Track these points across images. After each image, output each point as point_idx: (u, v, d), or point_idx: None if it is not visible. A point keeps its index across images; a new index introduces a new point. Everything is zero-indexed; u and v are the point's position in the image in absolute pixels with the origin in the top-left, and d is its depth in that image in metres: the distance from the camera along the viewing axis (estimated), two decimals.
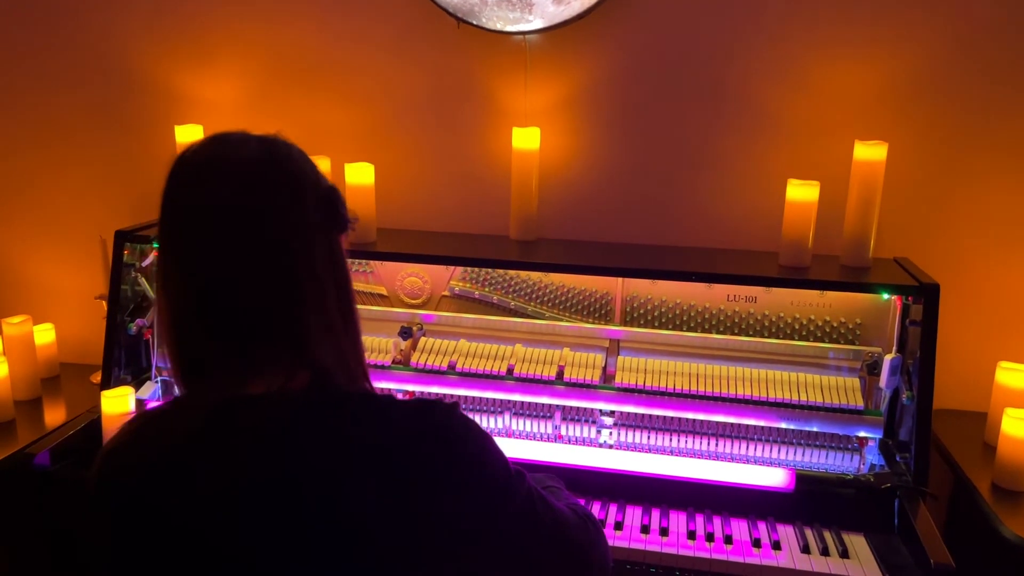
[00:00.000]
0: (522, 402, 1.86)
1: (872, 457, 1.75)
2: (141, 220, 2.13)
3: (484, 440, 0.91)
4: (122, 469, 0.90)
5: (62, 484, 1.75)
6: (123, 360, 2.01)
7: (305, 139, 2.06)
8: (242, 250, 0.88)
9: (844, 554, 1.54)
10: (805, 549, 1.55)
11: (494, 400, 1.87)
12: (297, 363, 0.90)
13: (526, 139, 1.97)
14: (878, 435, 1.73)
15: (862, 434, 1.75)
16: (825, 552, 1.54)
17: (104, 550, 0.92)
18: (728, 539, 1.57)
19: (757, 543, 1.56)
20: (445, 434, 0.88)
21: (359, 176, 1.95)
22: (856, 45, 1.87)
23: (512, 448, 1.75)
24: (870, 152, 1.77)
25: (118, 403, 1.83)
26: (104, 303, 2.19)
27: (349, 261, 1.86)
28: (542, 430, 1.85)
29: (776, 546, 1.55)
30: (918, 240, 1.92)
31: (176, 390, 1.88)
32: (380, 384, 1.91)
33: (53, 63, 2.25)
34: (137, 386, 2.00)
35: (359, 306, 1.89)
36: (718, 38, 1.92)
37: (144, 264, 2.04)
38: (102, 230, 2.21)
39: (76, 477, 1.75)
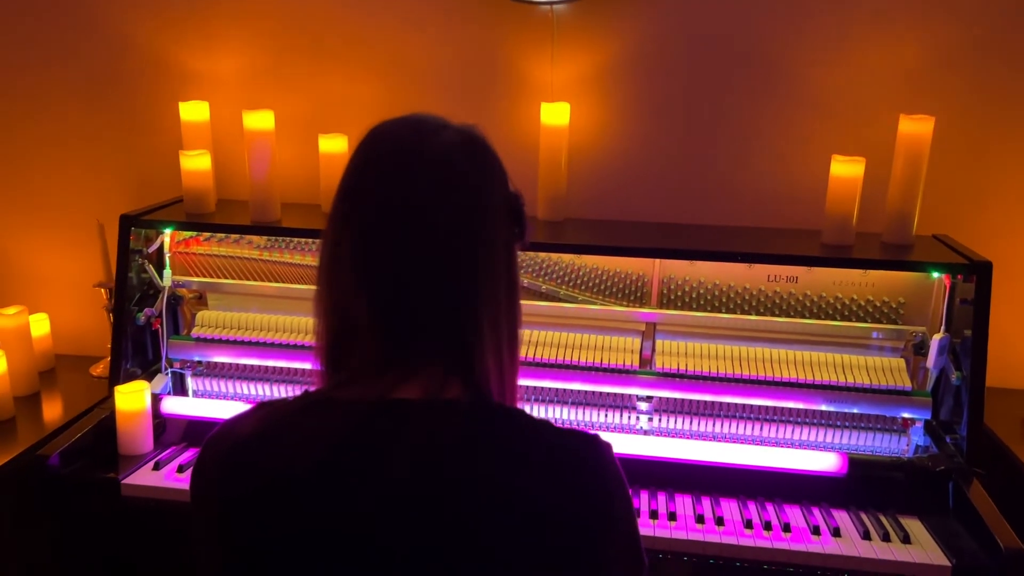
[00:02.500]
0: (556, 389, 1.80)
1: (917, 438, 1.73)
2: (141, 203, 2.01)
3: (626, 490, 0.85)
4: (250, 468, 0.82)
5: (81, 488, 1.64)
6: (130, 352, 1.90)
7: (318, 115, 2.00)
8: (430, 247, 0.83)
9: (905, 539, 1.51)
10: (865, 535, 1.51)
11: (527, 388, 1.80)
12: (457, 371, 0.84)
13: (555, 114, 1.88)
14: (926, 416, 1.70)
15: (909, 415, 1.72)
16: (886, 538, 1.51)
17: (213, 550, 0.84)
18: (786, 527, 1.53)
19: (816, 530, 1.52)
20: (594, 477, 0.83)
21: None
22: (896, 18, 1.81)
23: None
24: (916, 127, 1.72)
25: (133, 399, 1.72)
26: (103, 291, 2.08)
27: None
28: (578, 418, 1.79)
29: (836, 533, 1.52)
30: (953, 216, 1.88)
31: (190, 384, 1.79)
32: None
33: (43, 35, 2.10)
34: (146, 379, 1.89)
35: None
36: (754, 10, 1.85)
37: (151, 250, 1.92)
38: (99, 214, 2.08)
39: (94, 480, 1.65)
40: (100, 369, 2.13)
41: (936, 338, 1.68)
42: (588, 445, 0.84)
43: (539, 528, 0.79)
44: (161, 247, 1.94)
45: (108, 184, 2.16)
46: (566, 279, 1.86)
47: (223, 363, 1.91)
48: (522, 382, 1.77)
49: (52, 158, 2.18)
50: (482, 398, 0.85)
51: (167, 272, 1.94)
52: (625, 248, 1.80)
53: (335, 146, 1.92)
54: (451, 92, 2.01)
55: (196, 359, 1.93)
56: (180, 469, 1.69)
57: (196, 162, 1.92)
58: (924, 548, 1.48)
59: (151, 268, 1.92)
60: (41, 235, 2.23)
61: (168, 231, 1.92)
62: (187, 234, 1.95)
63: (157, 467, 1.69)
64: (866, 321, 1.78)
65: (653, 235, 1.90)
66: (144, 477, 1.66)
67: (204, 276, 1.97)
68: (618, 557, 0.84)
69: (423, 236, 0.83)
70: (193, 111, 1.97)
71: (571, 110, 1.90)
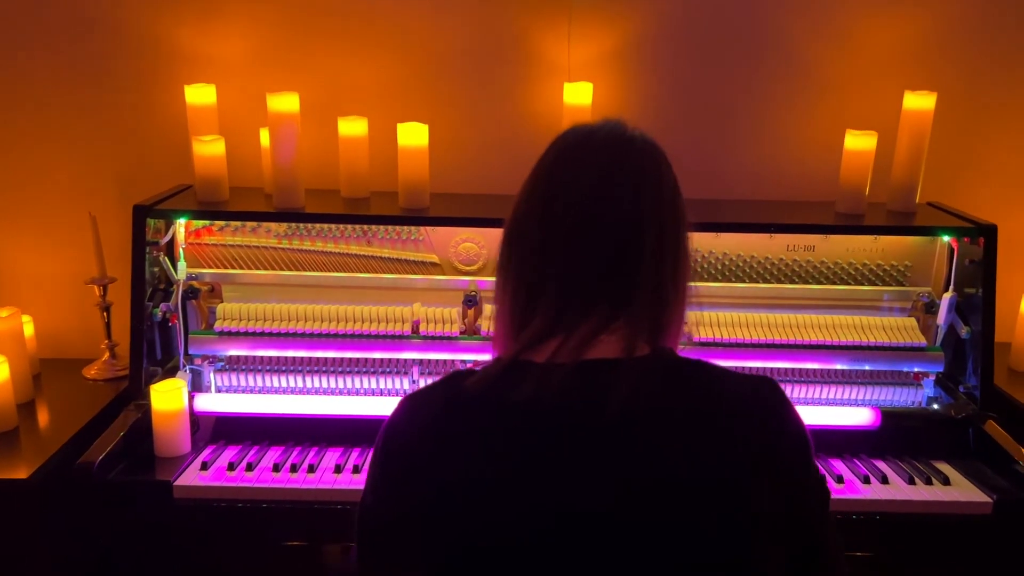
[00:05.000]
0: None
1: (929, 390, 1.87)
2: (135, 194, 1.88)
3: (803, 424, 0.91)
4: (459, 437, 0.85)
5: (131, 493, 1.56)
6: (147, 350, 1.80)
7: (332, 98, 1.95)
8: (622, 212, 0.90)
9: (945, 481, 1.64)
10: (910, 480, 1.63)
11: None
12: (643, 327, 0.89)
13: (578, 94, 1.91)
14: (939, 369, 1.85)
15: (924, 370, 1.85)
16: (928, 481, 1.63)
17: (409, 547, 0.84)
18: (839, 479, 1.63)
19: (866, 479, 1.63)
20: (782, 416, 0.88)
21: (412, 137, 1.83)
22: None
23: None
24: (919, 101, 1.85)
25: (169, 398, 1.64)
26: (96, 288, 1.96)
27: (405, 228, 1.78)
28: None
29: (884, 480, 1.63)
30: (943, 184, 2.03)
31: (213, 380, 1.72)
32: (452, 356, 1.82)
33: (27, 14, 1.94)
34: (164, 377, 1.80)
35: (411, 276, 1.82)
36: None
37: (164, 241, 1.83)
38: (83, 207, 1.96)
39: (144, 484, 1.56)
40: (94, 371, 2.00)
41: (946, 297, 1.83)
42: (770, 387, 0.90)
43: (745, 469, 0.83)
44: (173, 238, 1.85)
45: (95, 175, 2.03)
46: None
47: (247, 356, 1.84)
48: None
49: (30, 149, 2.02)
50: (670, 353, 0.91)
51: (181, 264, 1.84)
52: None
53: (355, 129, 1.87)
54: (467, 72, 2.00)
55: (219, 354, 1.84)
56: (231, 467, 1.62)
57: (210, 148, 1.83)
58: (964, 488, 1.62)
59: (166, 260, 1.82)
60: (17, 231, 2.07)
61: (182, 221, 1.83)
62: (198, 224, 1.86)
63: (205, 467, 1.62)
64: (877, 284, 1.91)
65: None
66: (194, 478, 1.59)
67: (217, 267, 1.88)
68: (813, 487, 0.90)
69: (615, 201, 0.90)
70: (200, 94, 1.88)
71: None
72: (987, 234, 1.78)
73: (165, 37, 1.96)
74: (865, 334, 1.85)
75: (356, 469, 1.64)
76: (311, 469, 1.63)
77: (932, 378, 1.87)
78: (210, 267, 1.88)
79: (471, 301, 1.85)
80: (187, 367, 1.85)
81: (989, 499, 1.57)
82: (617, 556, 0.80)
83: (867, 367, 1.86)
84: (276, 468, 1.63)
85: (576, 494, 0.81)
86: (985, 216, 1.87)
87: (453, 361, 1.84)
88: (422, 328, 1.82)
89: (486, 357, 1.81)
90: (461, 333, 1.83)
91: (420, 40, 1.98)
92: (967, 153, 2.05)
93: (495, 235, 1.83)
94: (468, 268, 1.90)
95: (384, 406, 1.77)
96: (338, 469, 1.63)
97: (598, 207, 0.89)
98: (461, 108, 2.01)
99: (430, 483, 0.84)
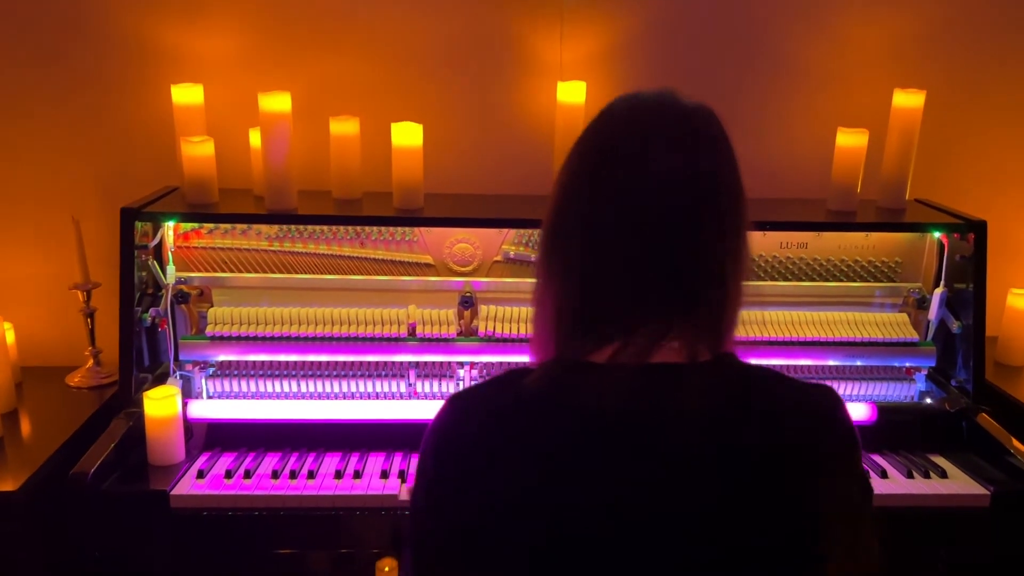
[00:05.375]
0: None
1: (921, 385, 1.89)
2: (118, 196, 1.84)
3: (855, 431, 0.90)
4: (520, 438, 0.82)
5: (127, 504, 1.52)
6: (134, 357, 1.76)
7: (321, 97, 1.92)
8: (683, 209, 0.83)
9: (943, 475, 1.66)
10: (908, 475, 1.65)
11: None
12: (705, 332, 0.86)
13: (572, 93, 1.90)
14: (931, 364, 1.87)
15: (916, 365, 1.88)
16: (926, 475, 1.65)
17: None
18: None
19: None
20: (829, 411, 0.87)
21: (406, 137, 1.81)
22: None
23: None
24: (909, 100, 1.88)
25: (163, 405, 1.60)
26: (80, 293, 1.91)
27: (399, 229, 1.75)
28: None
29: (883, 475, 1.64)
30: (930, 181, 2.06)
31: (204, 386, 1.67)
32: (449, 358, 1.80)
33: (7, 13, 1.89)
34: (153, 384, 1.76)
35: (404, 278, 1.80)
36: None
37: (152, 244, 1.78)
38: (71, 209, 1.91)
39: (141, 495, 1.52)
40: (78, 379, 1.95)
41: (938, 292, 1.85)
42: (824, 392, 0.88)
43: (804, 473, 0.83)
44: (161, 242, 1.81)
45: (77, 177, 1.98)
46: None
47: (239, 361, 1.81)
48: None
49: (9, 151, 1.97)
50: (732, 358, 0.88)
51: (170, 268, 1.80)
52: None
53: (347, 128, 1.85)
54: (459, 72, 1.98)
55: (211, 359, 1.81)
56: (228, 475, 1.59)
57: (199, 149, 1.79)
58: (961, 481, 1.64)
59: (154, 264, 1.78)
60: None
61: (171, 224, 1.79)
62: (187, 227, 1.82)
63: (201, 476, 1.58)
64: (868, 280, 1.93)
65: None
66: (191, 486, 1.55)
67: (207, 271, 1.84)
68: (857, 484, 0.89)
69: (677, 197, 0.83)
70: (187, 94, 1.84)
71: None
72: (977, 230, 1.81)
73: (151, 36, 1.91)
74: (858, 330, 1.86)
75: (357, 475, 1.61)
76: (311, 475, 1.60)
77: (924, 373, 1.89)
78: (199, 271, 1.84)
79: (467, 302, 1.84)
80: (177, 373, 1.81)
81: (987, 491, 1.59)
82: (680, 557, 0.79)
83: (860, 363, 1.87)
84: (275, 475, 1.60)
85: (640, 496, 0.80)
86: (971, 211, 1.90)
87: (450, 363, 1.82)
88: (418, 330, 1.80)
89: (484, 359, 1.80)
90: (458, 334, 1.81)
91: (411, 40, 1.95)
92: (955, 150, 2.08)
93: (490, 235, 1.86)
94: (463, 269, 1.88)
95: (382, 410, 1.75)
96: (338, 475, 1.61)
97: (659, 196, 0.83)
98: (453, 108, 2.00)
99: (492, 486, 0.82)
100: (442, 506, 0.85)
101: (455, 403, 0.89)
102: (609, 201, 0.84)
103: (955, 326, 1.85)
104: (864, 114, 1.96)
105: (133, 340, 1.73)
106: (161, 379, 1.79)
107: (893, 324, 1.88)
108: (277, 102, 1.73)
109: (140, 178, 1.94)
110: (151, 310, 1.77)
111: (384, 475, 1.61)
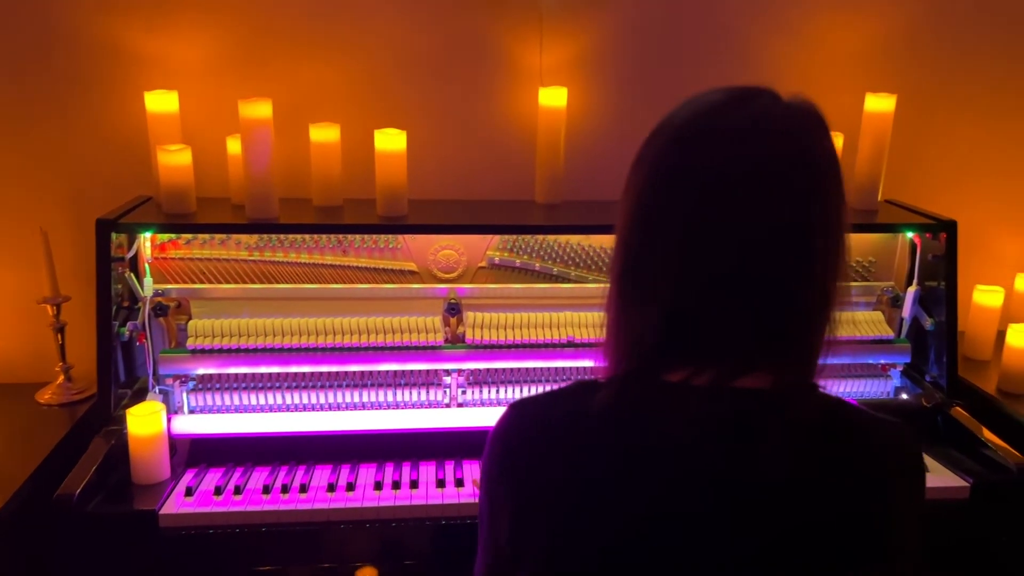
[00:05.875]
0: (577, 368, 1.84)
1: (896, 381, 1.95)
2: (89, 207, 1.79)
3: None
4: (592, 455, 0.81)
5: (115, 525, 1.47)
6: (113, 373, 1.71)
7: (300, 104, 1.90)
8: (778, 235, 0.79)
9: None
10: None
11: (556, 369, 1.83)
12: (792, 359, 0.83)
13: (553, 97, 1.91)
14: (906, 360, 1.92)
15: (892, 361, 1.93)
16: None
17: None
18: None
19: None
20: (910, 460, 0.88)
21: (390, 143, 1.79)
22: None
23: None
24: (880, 103, 1.93)
25: (148, 422, 1.56)
26: (49, 308, 1.85)
27: (382, 237, 1.73)
28: None
29: None
30: (902, 181, 2.12)
31: (185, 400, 1.63)
32: (436, 366, 1.79)
33: None
34: (133, 400, 1.72)
35: (387, 286, 1.78)
36: None
37: (128, 256, 1.74)
38: (39, 220, 1.85)
39: (129, 515, 1.48)
40: (48, 395, 1.89)
41: (911, 290, 1.91)
42: (903, 431, 0.88)
43: (877, 509, 0.83)
44: (137, 253, 1.76)
45: (45, 188, 1.91)
46: (574, 261, 1.89)
47: (221, 374, 1.77)
48: (551, 364, 1.80)
49: None
50: (813, 390, 0.86)
51: (148, 280, 1.75)
52: None
53: (327, 135, 1.82)
54: (440, 78, 1.97)
55: (192, 373, 1.76)
56: (217, 491, 1.55)
57: (176, 157, 1.75)
58: (941, 474, 1.69)
59: (131, 277, 1.73)
60: None
61: (147, 235, 1.74)
62: (163, 237, 1.77)
63: (189, 493, 1.55)
64: (844, 280, 1.97)
65: None
66: (180, 505, 1.51)
67: (184, 282, 1.80)
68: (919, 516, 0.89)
69: (778, 197, 0.78)
70: (161, 101, 1.79)
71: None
72: (948, 230, 1.86)
73: (123, 41, 1.86)
74: (840, 329, 1.90)
75: (350, 487, 1.59)
76: (303, 489, 1.58)
77: (899, 369, 1.94)
78: (177, 282, 1.80)
79: (454, 309, 1.83)
80: (156, 388, 1.76)
81: (966, 483, 1.65)
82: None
83: (837, 361, 1.91)
84: (266, 490, 1.57)
85: (702, 524, 0.79)
86: (938, 211, 1.95)
87: (437, 371, 1.81)
88: (405, 338, 1.78)
89: (471, 366, 1.79)
90: (446, 342, 1.80)
91: (390, 46, 1.94)
92: (924, 151, 2.14)
93: (474, 241, 1.85)
94: (448, 276, 1.87)
95: (371, 420, 1.73)
96: (331, 488, 1.58)
97: (756, 205, 0.77)
98: (434, 114, 1.98)
99: (562, 500, 0.81)
100: (507, 510, 0.84)
101: (521, 411, 0.87)
102: (693, 213, 0.79)
103: (928, 323, 1.90)
104: (838, 118, 1.98)
105: (111, 356, 1.67)
106: (140, 395, 1.74)
107: (869, 322, 1.93)
108: (258, 109, 1.69)
109: (111, 188, 1.88)
110: (129, 324, 1.72)
111: (378, 487, 1.60)
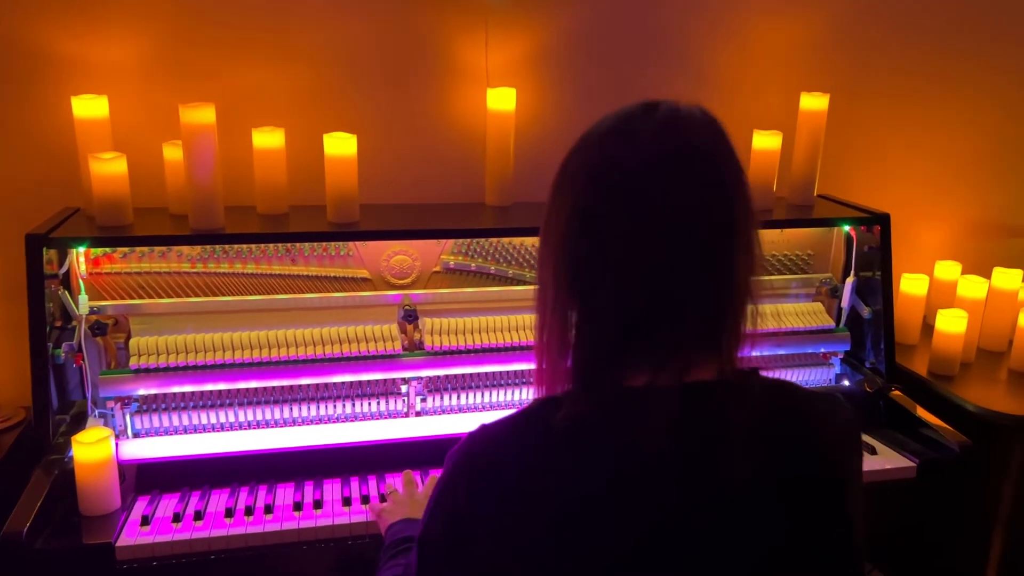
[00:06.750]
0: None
1: (837, 369, 2.03)
2: (6, 220, 1.68)
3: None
4: (563, 473, 0.81)
5: (69, 562, 1.37)
6: (52, 398, 1.60)
7: (239, 108, 1.82)
8: (695, 237, 0.81)
9: (872, 451, 1.78)
10: None
11: (518, 372, 1.82)
12: (724, 349, 0.85)
13: (501, 100, 1.90)
14: (846, 348, 2.01)
15: (832, 350, 2.01)
16: None
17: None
18: None
19: None
20: (846, 431, 0.91)
21: (339, 147, 1.74)
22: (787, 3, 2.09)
23: None
24: (814, 102, 2.00)
25: (96, 450, 1.46)
26: None
27: (332, 244, 1.68)
28: None
29: None
30: (832, 175, 2.21)
31: (128, 423, 1.55)
32: (395, 374, 1.75)
33: None
34: (72, 426, 1.61)
35: (338, 294, 1.74)
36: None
37: (61, 272, 1.62)
38: None
39: (85, 550, 1.38)
40: None
41: (849, 281, 1.99)
42: (838, 404, 0.92)
43: (840, 477, 0.87)
44: (69, 269, 1.65)
45: None
46: (531, 262, 1.88)
47: (166, 394, 1.67)
48: (515, 367, 1.79)
49: None
50: (755, 373, 0.89)
51: (83, 298, 1.64)
52: None
53: (271, 141, 1.75)
54: (385, 81, 1.93)
55: (134, 394, 1.66)
56: (176, 518, 1.47)
57: (110, 166, 1.64)
58: (888, 456, 1.77)
59: (65, 295, 1.62)
60: None
61: (81, 249, 1.63)
62: (97, 252, 1.67)
63: (146, 522, 1.46)
64: (784, 273, 2.04)
65: None
66: (137, 535, 1.43)
67: (121, 298, 1.70)
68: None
69: (689, 224, 0.81)
70: (89, 107, 1.68)
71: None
72: (882, 222, 1.95)
73: (46, 43, 1.73)
74: (780, 320, 1.97)
75: (317, 504, 1.54)
76: (268, 510, 1.51)
77: (840, 357, 2.02)
78: (113, 298, 1.69)
79: (411, 316, 1.79)
80: (96, 412, 1.65)
81: (913, 463, 1.73)
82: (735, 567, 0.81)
83: (783, 352, 1.98)
84: (228, 513, 1.50)
85: (694, 522, 0.81)
86: (865, 204, 2.04)
87: (395, 380, 1.77)
88: (362, 348, 1.73)
89: (430, 373, 1.76)
90: (404, 349, 1.77)
91: (333, 47, 1.88)
92: (853, 147, 2.24)
93: (428, 246, 1.82)
94: (401, 282, 1.83)
95: (332, 434, 1.68)
96: (297, 507, 1.53)
97: (678, 206, 0.80)
98: (380, 117, 1.94)
99: (535, 519, 0.80)
100: (474, 540, 0.83)
101: (488, 435, 0.86)
102: (618, 218, 0.81)
103: (866, 312, 1.99)
104: (775, 117, 2.07)
105: (47, 380, 1.56)
106: (78, 420, 1.63)
107: (810, 313, 2.00)
108: (201, 115, 1.61)
109: (33, 199, 1.76)
110: (64, 345, 1.61)
111: (347, 502, 1.55)
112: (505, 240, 1.85)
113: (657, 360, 0.82)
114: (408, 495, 1.43)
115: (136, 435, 1.66)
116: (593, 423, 0.82)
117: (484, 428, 0.87)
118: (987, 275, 2.17)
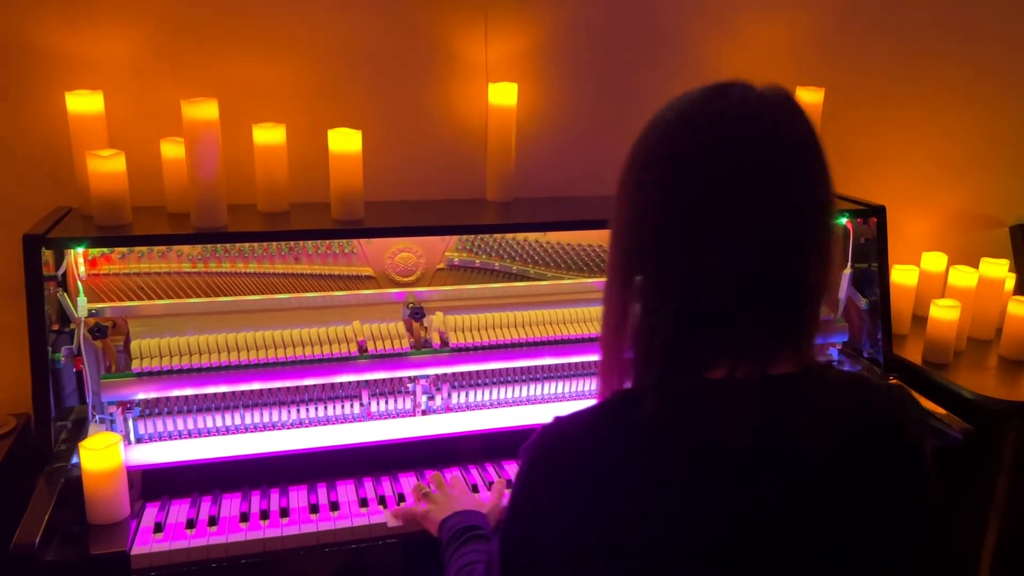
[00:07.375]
0: (544, 366, 1.82)
1: (835, 358, 2.06)
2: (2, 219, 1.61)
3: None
4: (641, 468, 0.80)
5: (85, 573, 1.32)
6: (53, 404, 1.54)
7: (238, 104, 1.78)
8: (788, 226, 0.80)
9: None
10: None
11: (532, 368, 1.81)
12: (804, 341, 0.84)
13: (502, 95, 1.88)
14: (844, 339, 2.03)
15: (833, 341, 2.03)
16: None
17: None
18: None
19: None
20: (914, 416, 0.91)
21: (344, 144, 1.71)
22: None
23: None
24: (810, 96, 2.02)
25: (104, 456, 1.42)
26: None
27: (336, 242, 1.66)
28: (586, 388, 1.84)
29: None
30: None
31: (130, 427, 1.51)
32: (403, 373, 1.73)
33: None
34: (73, 432, 1.56)
35: (342, 293, 1.71)
36: None
37: (59, 273, 1.57)
38: None
39: (101, 560, 1.34)
40: None
41: (846, 272, 2.02)
42: (908, 395, 0.93)
43: (918, 465, 0.87)
44: (67, 271, 1.59)
45: None
46: (535, 258, 1.88)
47: (171, 398, 1.63)
48: (525, 363, 1.78)
49: None
50: (829, 365, 0.91)
51: (81, 300, 1.59)
52: (585, 222, 1.86)
53: (272, 137, 1.72)
54: (386, 76, 1.90)
55: (137, 398, 1.61)
56: (190, 524, 1.43)
57: (108, 164, 1.59)
58: None
59: (64, 296, 1.57)
60: None
61: (79, 250, 1.58)
62: (95, 252, 1.62)
63: (159, 529, 1.42)
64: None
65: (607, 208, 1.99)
66: (151, 543, 1.38)
67: (120, 300, 1.65)
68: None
69: (780, 213, 0.79)
70: (84, 103, 1.63)
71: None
72: (878, 215, 1.98)
73: (39, 38, 1.67)
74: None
75: (334, 506, 1.51)
76: (283, 513, 1.48)
77: (838, 348, 2.05)
78: (112, 300, 1.64)
79: (418, 313, 1.77)
80: (97, 417, 1.60)
81: None
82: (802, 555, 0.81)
83: None
84: (243, 518, 1.46)
85: (767, 514, 0.80)
86: (858, 196, 2.07)
87: (402, 379, 1.74)
88: (369, 346, 1.71)
89: (438, 371, 1.74)
90: (412, 347, 1.74)
91: (332, 43, 1.85)
92: (846, 141, 2.27)
93: (433, 243, 1.80)
94: (406, 279, 1.81)
95: (339, 435, 1.65)
96: (313, 509, 1.50)
97: (753, 195, 0.78)
98: (381, 112, 1.91)
99: (613, 513, 0.79)
100: (556, 535, 0.82)
101: (565, 428, 0.85)
102: (690, 209, 0.80)
103: (863, 303, 2.02)
104: None
105: (47, 385, 1.51)
106: (79, 426, 1.58)
107: None
108: (203, 110, 1.57)
109: (25, 198, 1.70)
110: (64, 348, 1.56)
111: (363, 503, 1.52)
112: (508, 236, 1.84)
113: (737, 352, 0.81)
114: (445, 495, 1.41)
115: (139, 440, 1.61)
116: (675, 416, 0.81)
117: (560, 421, 0.85)
118: (972, 265, 2.22)
